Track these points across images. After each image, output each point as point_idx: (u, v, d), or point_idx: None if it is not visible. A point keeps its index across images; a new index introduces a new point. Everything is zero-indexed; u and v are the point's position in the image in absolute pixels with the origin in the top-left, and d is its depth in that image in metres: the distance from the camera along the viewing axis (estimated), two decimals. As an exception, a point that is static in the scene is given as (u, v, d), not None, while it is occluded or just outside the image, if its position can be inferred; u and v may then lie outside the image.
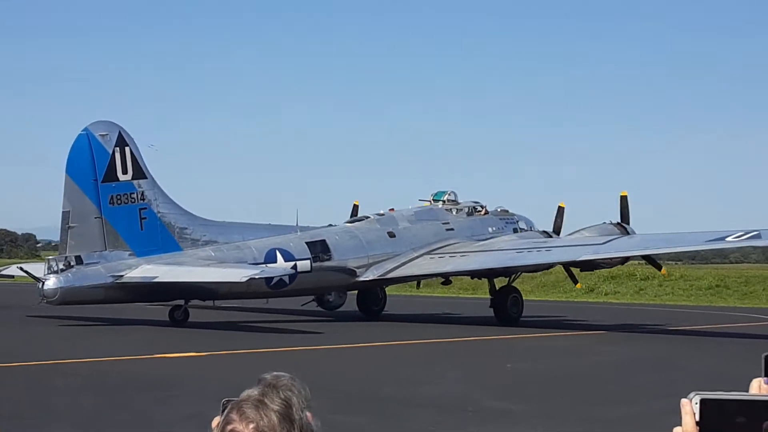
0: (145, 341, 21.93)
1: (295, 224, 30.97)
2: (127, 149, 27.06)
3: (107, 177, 26.59)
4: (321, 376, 15.26)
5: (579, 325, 29.82)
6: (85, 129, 26.78)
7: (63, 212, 26.13)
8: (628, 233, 30.51)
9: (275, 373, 2.36)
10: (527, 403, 13.60)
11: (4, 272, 34.21)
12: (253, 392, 2.31)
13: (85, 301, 26.14)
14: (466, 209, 33.16)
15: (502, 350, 22.32)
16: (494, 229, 32.92)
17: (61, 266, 25.60)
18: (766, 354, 2.69)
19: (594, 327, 29.11)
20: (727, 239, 26.92)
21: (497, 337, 25.17)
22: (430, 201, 33.35)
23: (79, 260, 25.83)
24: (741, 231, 26.90)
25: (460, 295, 48.99)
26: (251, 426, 2.25)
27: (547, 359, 20.02)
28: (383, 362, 19.27)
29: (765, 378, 2.67)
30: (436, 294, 49.21)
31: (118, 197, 26.73)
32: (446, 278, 34.35)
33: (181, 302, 26.83)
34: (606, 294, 51.42)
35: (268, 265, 27.93)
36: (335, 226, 32.17)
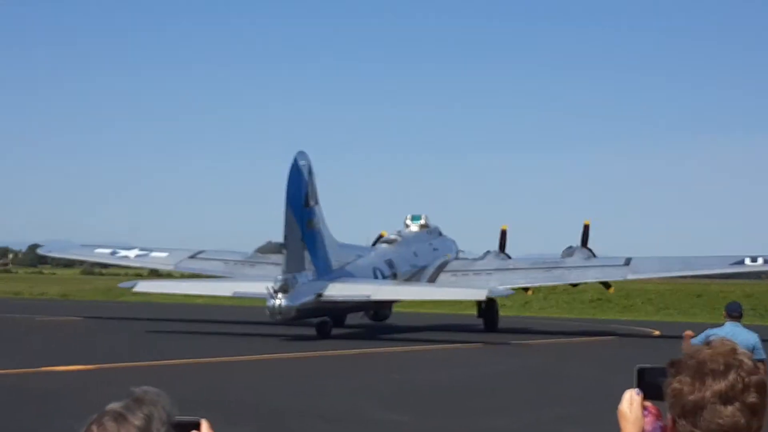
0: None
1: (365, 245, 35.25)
2: (313, 177, 29.47)
3: (306, 203, 29.04)
4: (216, 388, 15.16)
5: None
6: (295, 158, 28.88)
7: (284, 235, 28.84)
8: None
9: (145, 387, 2.33)
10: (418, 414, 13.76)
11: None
12: (116, 405, 2.31)
13: (302, 317, 28.22)
14: (434, 231, 37.50)
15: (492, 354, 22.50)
16: (451, 248, 37.66)
17: (286, 285, 27.50)
18: (638, 367, 2.84)
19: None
20: (746, 263, 32.41)
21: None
22: (407, 224, 37.23)
23: (295, 280, 28.07)
24: (759, 256, 32.29)
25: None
26: None
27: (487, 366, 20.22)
28: (281, 374, 19.29)
29: (637, 389, 2.83)
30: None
31: (310, 221, 29.15)
32: None
33: (327, 318, 28.80)
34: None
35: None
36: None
